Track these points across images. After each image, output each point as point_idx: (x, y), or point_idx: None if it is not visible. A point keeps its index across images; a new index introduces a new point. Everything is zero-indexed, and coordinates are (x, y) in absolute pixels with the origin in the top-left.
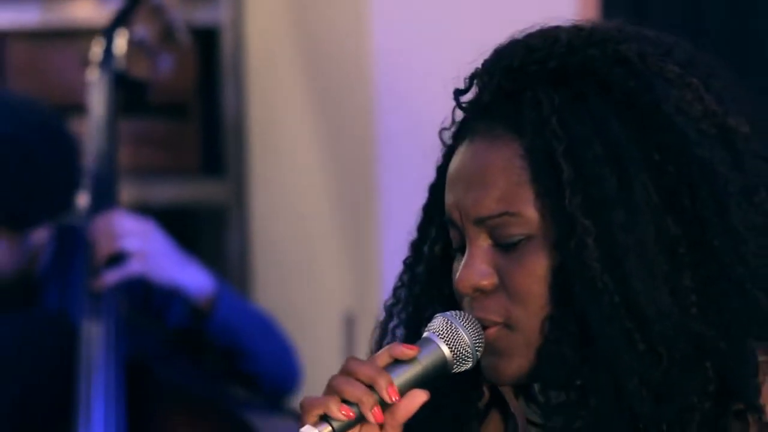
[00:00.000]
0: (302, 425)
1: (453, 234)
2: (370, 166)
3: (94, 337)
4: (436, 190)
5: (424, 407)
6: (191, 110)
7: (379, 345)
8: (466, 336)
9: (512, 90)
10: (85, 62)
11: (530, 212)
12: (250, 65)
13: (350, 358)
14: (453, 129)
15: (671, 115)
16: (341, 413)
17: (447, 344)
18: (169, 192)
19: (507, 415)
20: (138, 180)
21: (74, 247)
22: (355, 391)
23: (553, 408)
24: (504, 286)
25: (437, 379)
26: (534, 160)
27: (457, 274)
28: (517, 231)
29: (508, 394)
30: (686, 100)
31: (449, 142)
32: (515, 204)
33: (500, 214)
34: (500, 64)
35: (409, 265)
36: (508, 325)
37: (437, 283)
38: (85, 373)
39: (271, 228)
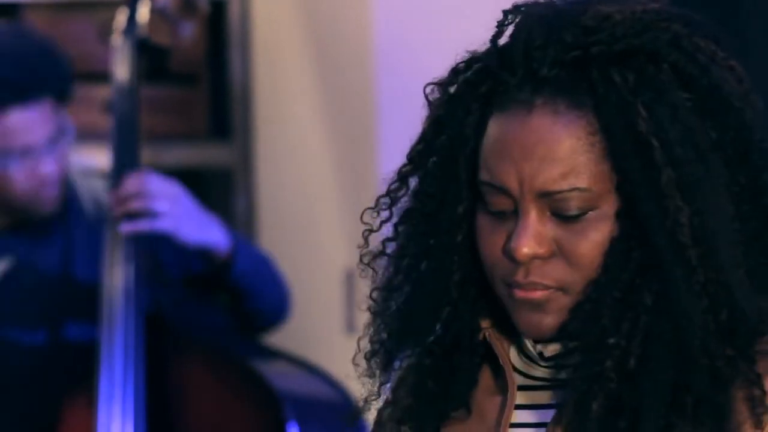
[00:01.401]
0: None
1: (498, 199)
2: (371, 131)
3: (115, 286)
4: (452, 148)
5: (427, 370)
6: (200, 78)
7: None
8: None
9: (573, 67)
10: (103, 32)
11: (598, 187)
12: (257, 35)
13: None
14: (470, 96)
15: (728, 98)
16: None
17: None
18: (178, 155)
19: (498, 369)
20: (149, 144)
21: (78, 205)
22: None
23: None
24: (563, 254)
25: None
26: (613, 139)
27: (514, 241)
28: (582, 204)
29: (499, 348)
30: (732, 81)
31: (472, 109)
32: (584, 179)
33: (570, 190)
34: (551, 38)
35: (422, 216)
36: (561, 289)
37: (457, 243)
38: (106, 324)
39: (276, 190)
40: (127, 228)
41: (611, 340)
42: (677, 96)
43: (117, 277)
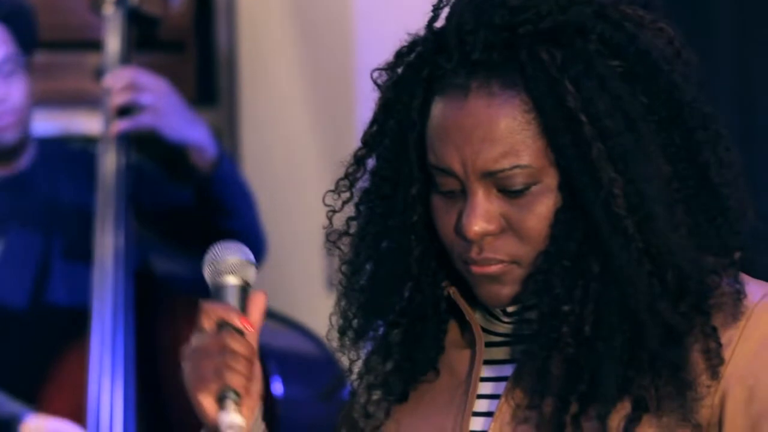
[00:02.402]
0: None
1: (446, 180)
2: (350, 95)
3: (106, 248)
4: (401, 132)
5: (403, 329)
6: (188, 46)
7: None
8: (235, 259)
9: (503, 48)
10: (95, 1)
11: (539, 162)
12: (242, 4)
13: (228, 338)
14: (413, 81)
15: (657, 62)
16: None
17: (236, 276)
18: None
19: (464, 324)
20: None
21: (59, 163)
22: (243, 366)
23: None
24: (512, 229)
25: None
26: (545, 116)
27: (464, 220)
28: (525, 180)
29: (464, 305)
30: (661, 44)
31: (415, 94)
32: (524, 156)
33: (511, 168)
34: (481, 22)
35: (376, 209)
36: (514, 262)
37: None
38: (98, 285)
39: (260, 152)
40: (111, 129)
41: (565, 308)
42: (606, 66)
43: (107, 238)
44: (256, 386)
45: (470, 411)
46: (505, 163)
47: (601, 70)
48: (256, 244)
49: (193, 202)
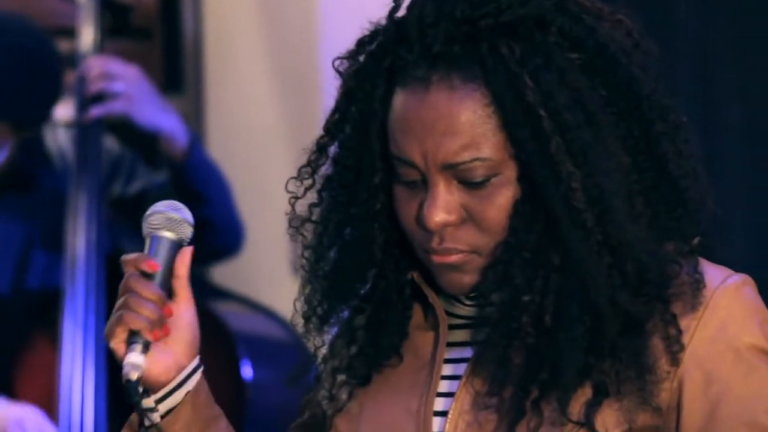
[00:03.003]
0: (121, 356)
1: (408, 171)
2: (314, 82)
3: (79, 235)
4: (363, 122)
5: (369, 311)
6: (155, 34)
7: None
8: (174, 214)
9: (464, 41)
10: None
11: (499, 155)
12: None
13: (129, 277)
14: (374, 71)
15: (616, 55)
16: (148, 334)
17: (169, 231)
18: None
19: (427, 307)
20: None
21: (39, 159)
22: (146, 308)
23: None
24: (472, 220)
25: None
26: (505, 110)
27: (425, 211)
28: (485, 172)
29: (427, 289)
30: (620, 36)
31: (377, 84)
32: (484, 149)
33: (472, 160)
34: (442, 14)
35: (339, 200)
36: (475, 252)
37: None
38: (69, 270)
39: (225, 138)
40: (85, 116)
41: (525, 298)
42: (565, 59)
43: (80, 225)
44: (182, 334)
45: (434, 392)
46: (466, 156)
47: (560, 64)
48: (234, 232)
49: (167, 190)
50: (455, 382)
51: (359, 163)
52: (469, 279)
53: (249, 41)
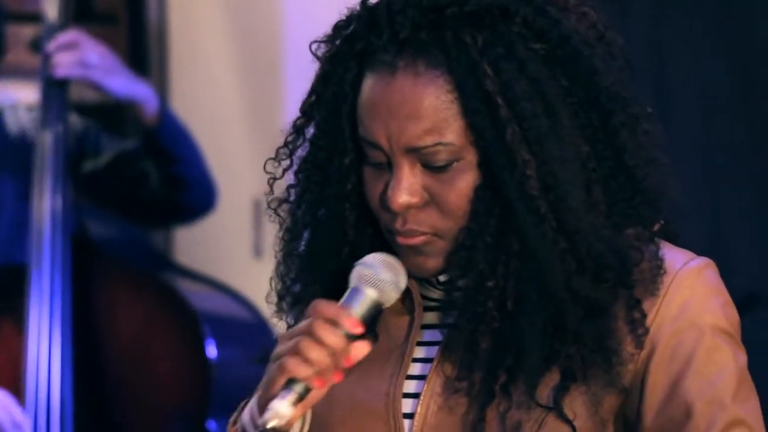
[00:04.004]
0: (273, 394)
1: (374, 153)
2: (277, 67)
3: (43, 210)
4: (335, 103)
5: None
6: (120, 18)
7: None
8: (388, 277)
9: (430, 29)
10: None
11: (460, 140)
12: None
13: (315, 324)
14: (347, 55)
15: (578, 47)
16: (312, 382)
17: (374, 288)
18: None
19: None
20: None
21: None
22: (322, 357)
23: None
24: (434, 203)
25: (373, 318)
26: (465, 97)
27: (389, 193)
28: (447, 157)
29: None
30: (585, 28)
31: (349, 67)
32: (446, 134)
33: (434, 144)
34: (410, 2)
35: (312, 180)
36: (437, 235)
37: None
38: (35, 246)
39: (189, 122)
40: (60, 71)
41: (489, 283)
42: (527, 50)
43: (45, 202)
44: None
45: (405, 374)
46: (429, 140)
47: (521, 54)
48: (207, 189)
49: (141, 156)
50: (427, 365)
51: (332, 144)
52: (432, 263)
53: (213, 27)
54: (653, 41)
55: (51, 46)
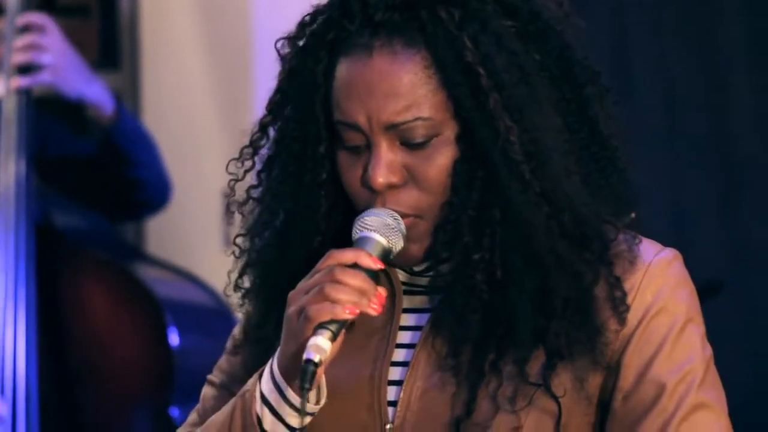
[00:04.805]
0: (310, 337)
1: (351, 135)
2: (247, 60)
3: (4, 190)
4: (306, 95)
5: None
6: (91, 11)
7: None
8: (391, 221)
9: (403, 9)
10: None
11: (439, 115)
12: None
13: (336, 268)
14: (317, 46)
15: (549, 22)
16: (345, 313)
17: (382, 236)
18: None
19: (383, 274)
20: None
21: None
22: (351, 296)
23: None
24: (414, 180)
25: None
26: (445, 70)
27: (369, 171)
28: (426, 132)
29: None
30: (553, 6)
31: (320, 58)
32: (425, 109)
33: (413, 119)
34: None
35: (289, 168)
36: (418, 216)
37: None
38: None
39: (160, 114)
40: (16, 83)
41: (476, 256)
42: (501, 25)
43: (8, 177)
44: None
45: (389, 359)
46: (408, 116)
47: (496, 29)
48: (162, 188)
49: (96, 153)
50: (410, 351)
51: (305, 135)
52: (417, 247)
53: (184, 20)
54: (617, 31)
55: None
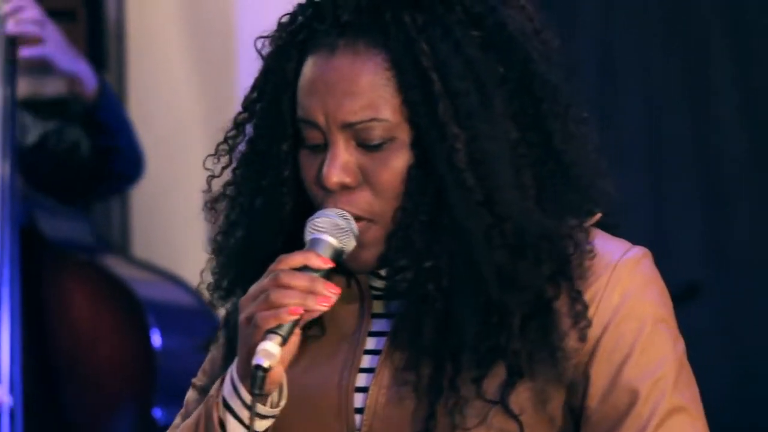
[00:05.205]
0: (259, 342)
1: (311, 134)
2: (231, 63)
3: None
4: (276, 92)
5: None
6: (78, 14)
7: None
8: (342, 222)
9: (371, 12)
10: None
11: (395, 117)
12: None
13: (281, 273)
14: (289, 46)
15: (514, 34)
16: (291, 316)
17: (333, 237)
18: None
19: (350, 277)
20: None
21: None
22: (296, 300)
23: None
24: (368, 183)
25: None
26: (402, 74)
27: (324, 170)
28: (382, 134)
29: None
30: (521, 20)
31: (291, 56)
32: (382, 110)
33: (369, 120)
34: None
35: (252, 163)
36: (371, 220)
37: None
38: None
39: (146, 116)
40: (17, 54)
41: (427, 264)
42: (465, 34)
43: None
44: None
45: (357, 366)
46: (364, 116)
47: (458, 36)
48: (137, 159)
49: (75, 128)
50: (376, 357)
51: (271, 132)
52: (369, 254)
53: (170, 24)
54: (602, 38)
55: (7, 6)
